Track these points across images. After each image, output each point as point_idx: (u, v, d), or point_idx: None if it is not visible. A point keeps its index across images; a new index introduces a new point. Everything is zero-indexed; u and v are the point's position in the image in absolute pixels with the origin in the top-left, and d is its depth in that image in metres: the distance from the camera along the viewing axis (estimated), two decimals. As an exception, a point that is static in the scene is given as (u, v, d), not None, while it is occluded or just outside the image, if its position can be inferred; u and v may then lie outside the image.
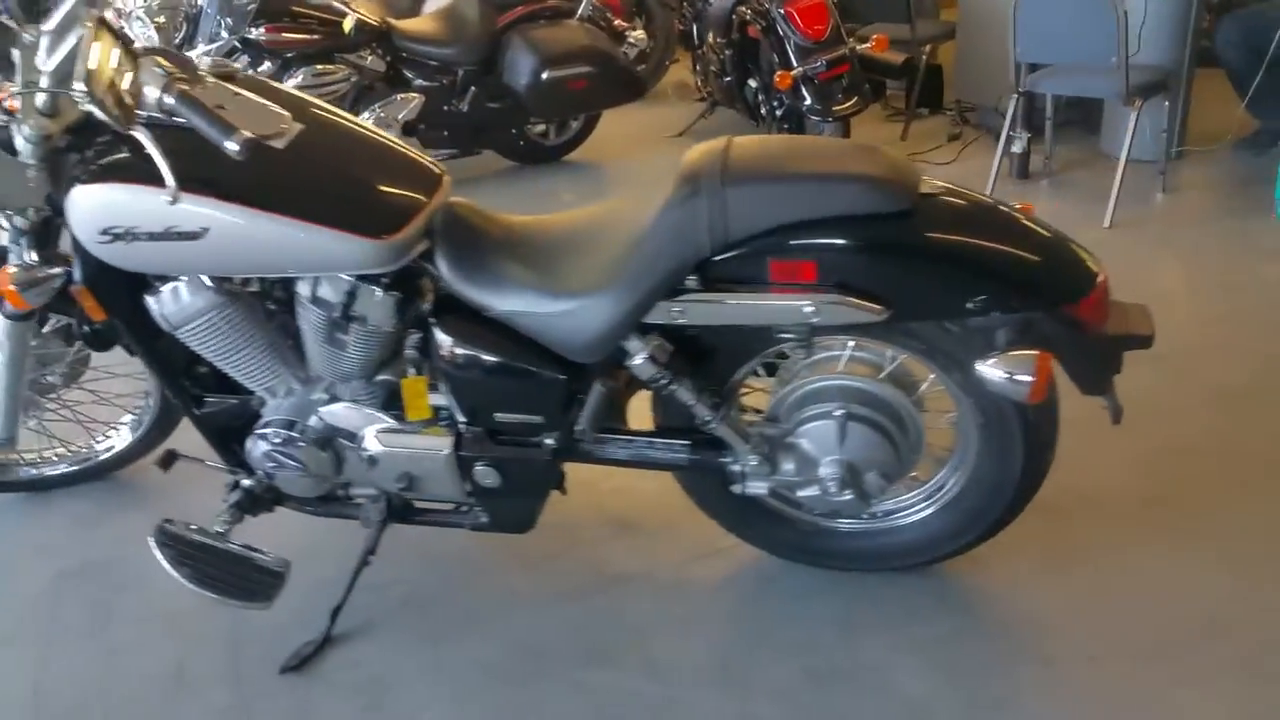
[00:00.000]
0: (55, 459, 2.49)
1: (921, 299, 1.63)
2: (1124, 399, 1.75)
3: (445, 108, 4.69)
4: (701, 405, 1.81)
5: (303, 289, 1.85)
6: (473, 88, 4.68)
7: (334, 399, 1.96)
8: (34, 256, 1.89)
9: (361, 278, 1.81)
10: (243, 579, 1.90)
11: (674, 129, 5.64)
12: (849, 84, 4.35)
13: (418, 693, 1.88)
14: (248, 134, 1.53)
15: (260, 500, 2.03)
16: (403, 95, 4.58)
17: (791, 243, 1.62)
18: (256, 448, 1.97)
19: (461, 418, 1.90)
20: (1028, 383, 1.59)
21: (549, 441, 1.88)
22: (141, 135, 1.57)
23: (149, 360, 1.99)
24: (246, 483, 2.02)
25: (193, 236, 1.73)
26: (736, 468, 1.88)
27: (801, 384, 1.86)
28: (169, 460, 2.08)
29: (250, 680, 1.93)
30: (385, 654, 1.98)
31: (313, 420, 1.96)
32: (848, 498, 1.84)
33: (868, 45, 4.43)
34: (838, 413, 1.82)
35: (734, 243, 1.63)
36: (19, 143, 1.71)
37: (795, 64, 4.29)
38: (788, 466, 1.87)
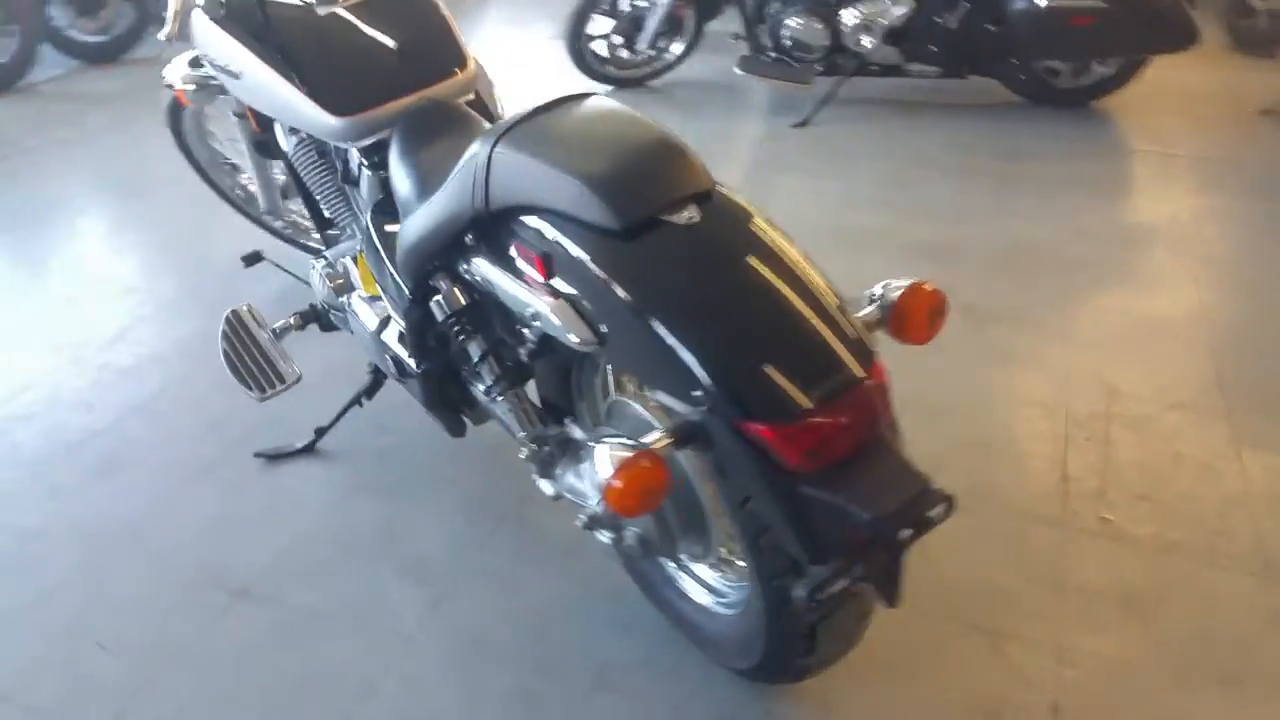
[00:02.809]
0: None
1: (619, 348, 1.30)
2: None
3: (936, 19, 4.27)
4: (483, 370, 1.67)
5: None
6: (965, 3, 4.17)
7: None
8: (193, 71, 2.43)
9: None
10: (257, 370, 2.27)
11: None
12: None
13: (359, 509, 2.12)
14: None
15: (319, 318, 2.35)
16: (886, 2, 4.30)
17: (528, 228, 1.40)
18: (313, 274, 2.28)
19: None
20: (602, 483, 1.21)
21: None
22: None
23: (288, 175, 2.41)
24: (313, 301, 2.36)
25: (236, 75, 2.06)
26: (522, 453, 1.71)
27: (604, 400, 1.63)
28: (253, 259, 2.50)
29: (230, 451, 2.33)
30: (346, 477, 2.22)
31: (339, 264, 2.22)
32: (604, 541, 1.57)
33: None
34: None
35: (495, 210, 1.46)
36: None
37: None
38: (567, 478, 1.64)
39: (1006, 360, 2.59)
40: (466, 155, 1.46)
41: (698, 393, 1.18)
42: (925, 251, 3.20)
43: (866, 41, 4.39)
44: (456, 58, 1.98)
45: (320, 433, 2.31)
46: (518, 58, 5.71)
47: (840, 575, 1.20)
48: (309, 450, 2.31)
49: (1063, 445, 2.25)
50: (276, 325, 2.32)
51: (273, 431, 2.36)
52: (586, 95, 1.46)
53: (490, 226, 1.47)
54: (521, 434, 1.68)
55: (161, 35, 2.21)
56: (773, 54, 4.63)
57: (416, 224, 1.63)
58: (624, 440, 1.27)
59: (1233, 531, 1.99)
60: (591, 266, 1.27)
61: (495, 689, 1.70)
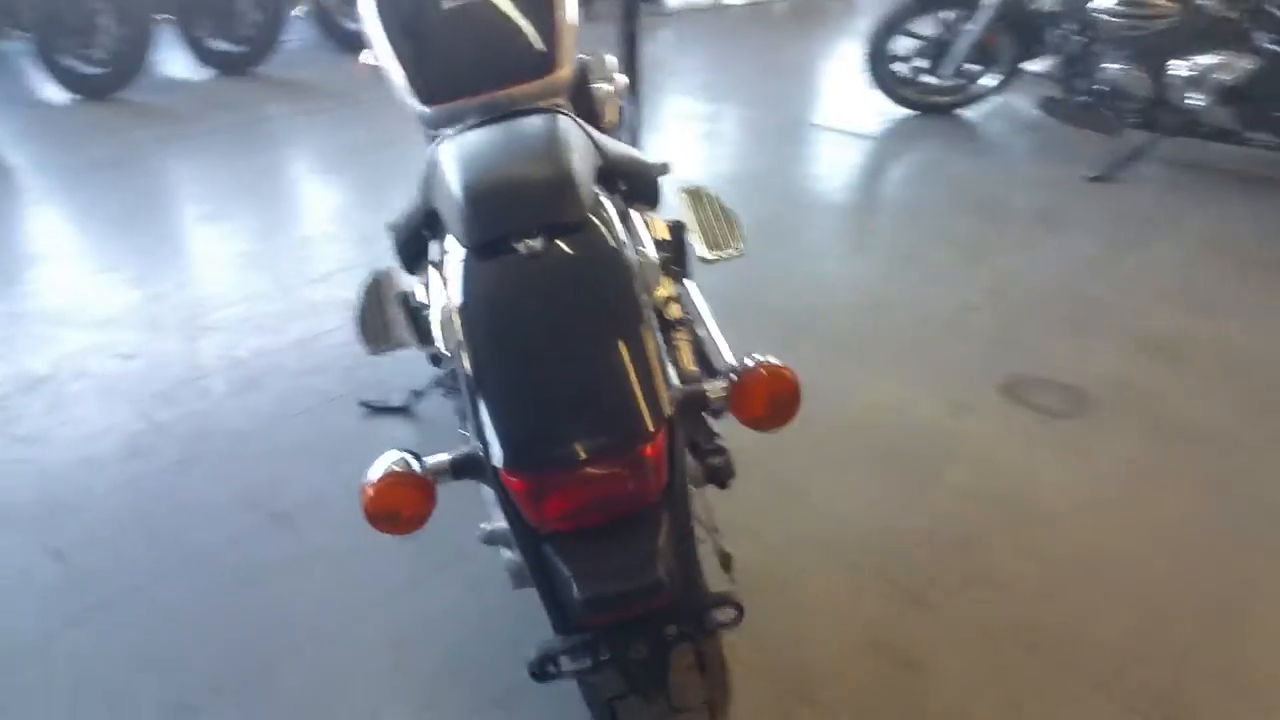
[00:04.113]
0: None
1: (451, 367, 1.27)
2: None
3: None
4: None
5: None
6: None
7: None
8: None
9: None
10: (377, 327, 2.45)
11: None
12: None
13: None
14: None
15: None
16: (1228, 57, 3.71)
17: (428, 235, 1.40)
18: None
19: None
20: (361, 485, 1.17)
21: None
22: None
23: None
24: None
25: (371, 46, 2.21)
26: None
27: None
28: None
29: (349, 393, 2.52)
30: (424, 438, 2.34)
31: None
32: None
33: None
34: None
35: (429, 210, 1.46)
36: None
37: None
38: None
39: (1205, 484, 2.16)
40: (427, 151, 1.48)
41: (474, 428, 1.12)
42: (1156, 347, 2.73)
43: (1197, 99, 3.80)
44: (548, 61, 1.97)
45: (416, 395, 2.44)
46: (827, 67, 5.60)
47: (581, 652, 1.09)
48: (404, 410, 2.44)
49: None
50: (405, 291, 2.47)
51: (394, 384, 2.52)
52: (539, 112, 1.42)
53: (434, 224, 1.47)
54: None
55: None
56: (1083, 98, 4.15)
57: (401, 211, 1.68)
58: (412, 457, 1.22)
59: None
60: (450, 280, 1.24)
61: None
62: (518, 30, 1.99)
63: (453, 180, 1.25)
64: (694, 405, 1.20)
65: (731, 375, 1.18)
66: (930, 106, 4.75)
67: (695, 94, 5.39)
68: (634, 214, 1.67)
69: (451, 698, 1.66)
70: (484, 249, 1.19)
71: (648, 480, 1.09)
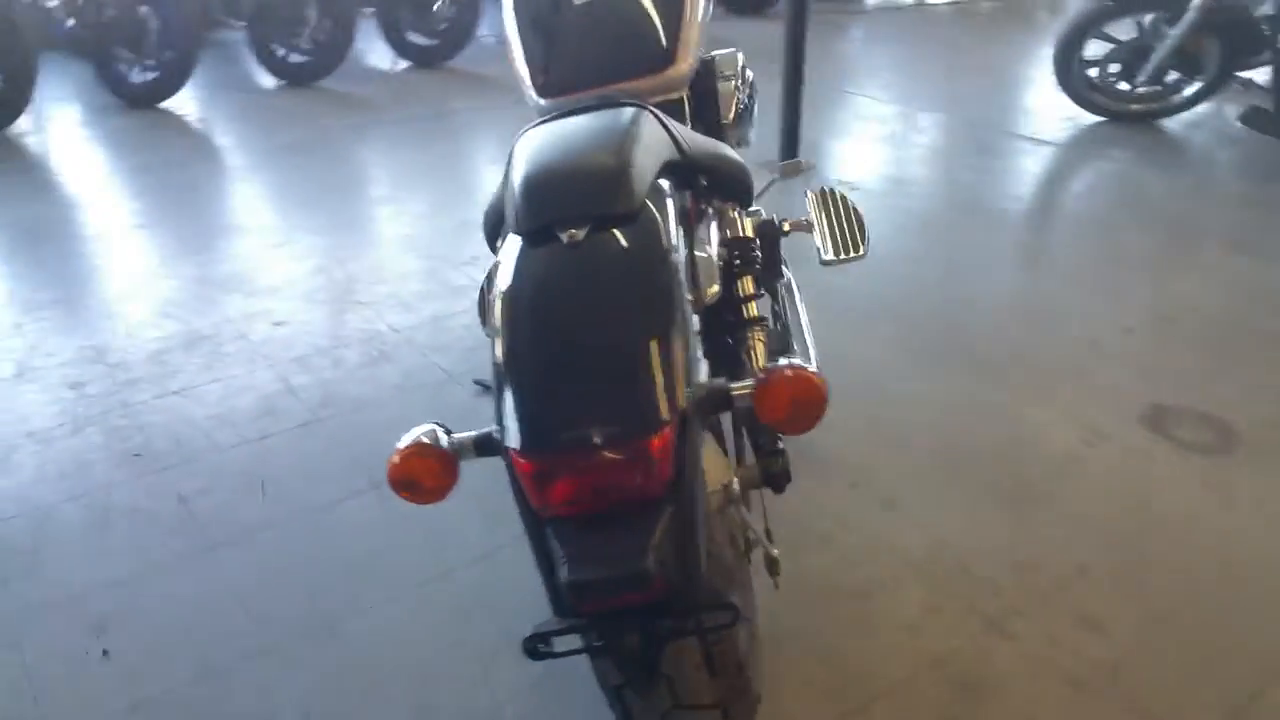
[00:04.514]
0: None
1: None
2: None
3: None
4: None
5: None
6: None
7: None
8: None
9: None
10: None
11: None
12: None
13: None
14: None
15: None
16: None
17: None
18: None
19: None
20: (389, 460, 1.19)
21: None
22: None
23: None
24: None
25: (506, 35, 2.27)
26: None
27: None
28: None
29: (465, 373, 2.61)
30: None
31: None
32: None
33: None
34: None
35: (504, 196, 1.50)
36: None
37: None
38: None
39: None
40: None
41: (495, 408, 1.13)
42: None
43: None
44: (667, 56, 1.96)
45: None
46: (1019, 70, 5.32)
47: (574, 636, 1.09)
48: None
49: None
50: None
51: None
52: (619, 105, 1.41)
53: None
54: None
55: None
56: (1296, 110, 3.77)
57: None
58: (443, 431, 1.24)
59: None
60: (499, 265, 1.26)
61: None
62: (642, 25, 1.98)
63: (515, 168, 1.26)
64: (717, 403, 1.17)
65: (760, 375, 1.14)
66: (1125, 114, 4.43)
67: (876, 93, 5.25)
68: (713, 211, 1.64)
69: (503, 671, 1.69)
70: (532, 236, 1.20)
71: (652, 472, 1.07)
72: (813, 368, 1.15)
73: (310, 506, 2.13)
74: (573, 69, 1.95)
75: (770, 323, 1.95)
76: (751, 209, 2.13)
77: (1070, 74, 4.39)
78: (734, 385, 1.16)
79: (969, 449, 2.24)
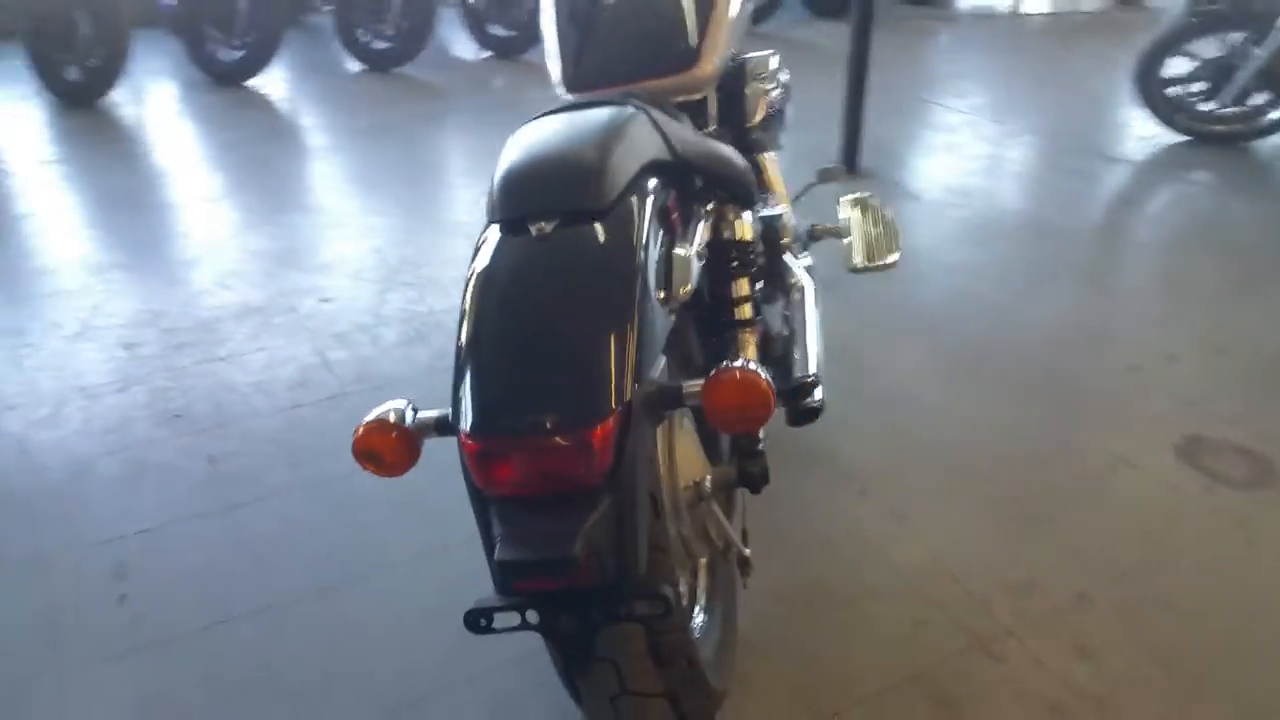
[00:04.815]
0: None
1: None
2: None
3: None
4: None
5: None
6: None
7: None
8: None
9: None
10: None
11: None
12: None
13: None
14: None
15: None
16: None
17: None
18: None
19: None
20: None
21: None
22: None
23: None
24: None
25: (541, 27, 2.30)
26: None
27: None
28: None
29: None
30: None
31: None
32: None
33: None
34: None
35: None
36: None
37: None
38: None
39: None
40: None
41: (451, 390, 1.17)
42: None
43: None
44: (689, 56, 1.96)
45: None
46: (1104, 85, 5.17)
47: (511, 614, 1.12)
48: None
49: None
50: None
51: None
52: (610, 104, 1.42)
53: None
54: None
55: None
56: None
57: None
58: (411, 410, 1.27)
59: None
60: (478, 251, 1.29)
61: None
62: (671, 24, 1.99)
63: (500, 161, 1.30)
64: (667, 400, 1.19)
65: (710, 375, 1.16)
66: (1208, 135, 4.28)
67: (954, 102, 5.16)
68: (706, 211, 1.63)
69: (484, 646, 1.72)
70: (505, 226, 1.24)
71: (591, 461, 1.09)
72: (763, 372, 1.16)
73: (328, 476, 2.20)
74: (599, 65, 1.97)
75: (773, 326, 1.95)
76: (774, 211, 2.12)
77: (1151, 92, 4.26)
78: (686, 384, 1.18)
79: (988, 466, 2.20)
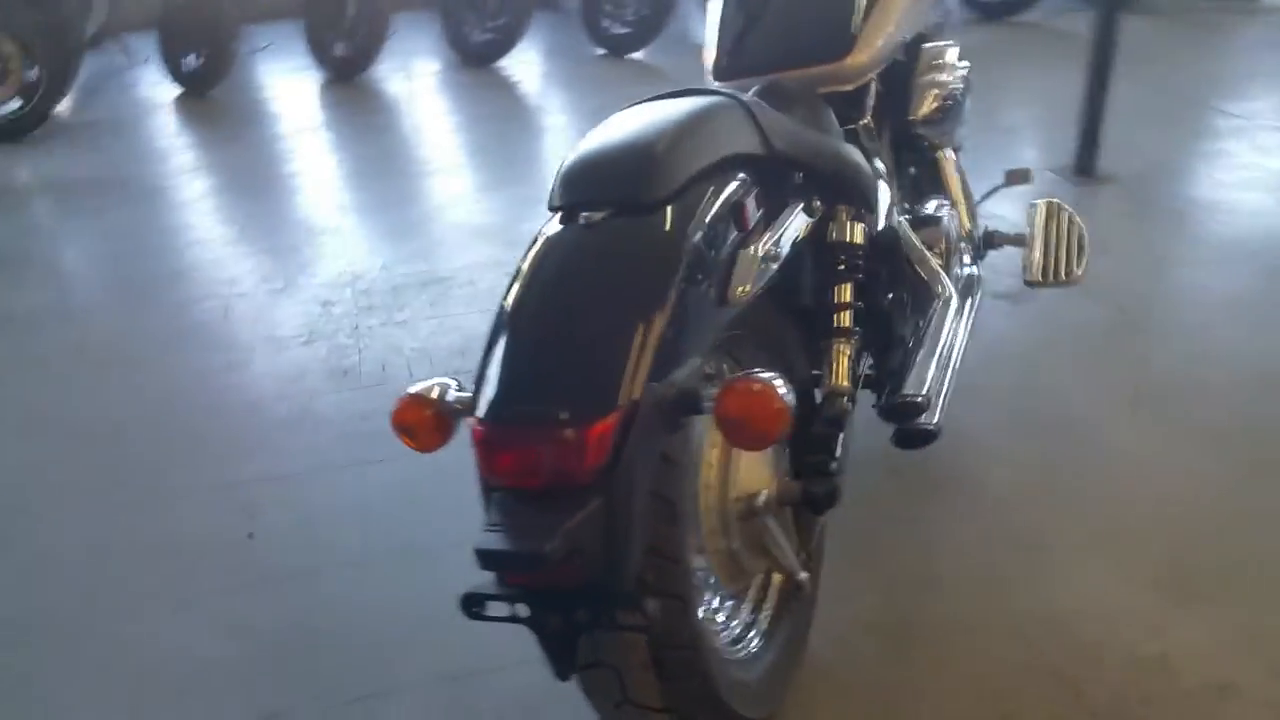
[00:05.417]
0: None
1: None
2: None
3: None
4: None
5: None
6: None
7: None
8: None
9: None
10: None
11: None
12: None
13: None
14: None
15: None
16: None
17: None
18: None
19: None
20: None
21: None
22: None
23: None
24: None
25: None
26: None
27: None
28: None
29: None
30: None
31: None
32: None
33: None
34: None
35: None
36: None
37: None
38: None
39: None
40: None
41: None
42: None
43: None
44: (844, 44, 1.83)
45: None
46: None
47: (503, 604, 1.10)
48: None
49: None
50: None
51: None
52: (706, 94, 1.36)
53: None
54: None
55: None
56: None
57: None
58: (455, 386, 1.26)
59: None
60: (533, 241, 1.28)
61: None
62: (833, 10, 1.87)
63: (572, 149, 1.28)
64: (685, 404, 1.13)
65: (727, 381, 1.10)
66: None
67: (1237, 109, 4.57)
68: (803, 211, 1.51)
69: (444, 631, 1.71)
70: (560, 214, 1.22)
71: (585, 457, 1.05)
72: (784, 387, 1.07)
73: (457, 440, 2.26)
74: (750, 53, 1.89)
75: (904, 334, 1.79)
76: (933, 213, 1.96)
77: None
78: (705, 389, 1.11)
79: (1142, 520, 1.93)
